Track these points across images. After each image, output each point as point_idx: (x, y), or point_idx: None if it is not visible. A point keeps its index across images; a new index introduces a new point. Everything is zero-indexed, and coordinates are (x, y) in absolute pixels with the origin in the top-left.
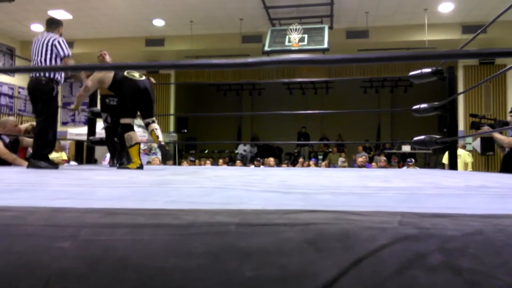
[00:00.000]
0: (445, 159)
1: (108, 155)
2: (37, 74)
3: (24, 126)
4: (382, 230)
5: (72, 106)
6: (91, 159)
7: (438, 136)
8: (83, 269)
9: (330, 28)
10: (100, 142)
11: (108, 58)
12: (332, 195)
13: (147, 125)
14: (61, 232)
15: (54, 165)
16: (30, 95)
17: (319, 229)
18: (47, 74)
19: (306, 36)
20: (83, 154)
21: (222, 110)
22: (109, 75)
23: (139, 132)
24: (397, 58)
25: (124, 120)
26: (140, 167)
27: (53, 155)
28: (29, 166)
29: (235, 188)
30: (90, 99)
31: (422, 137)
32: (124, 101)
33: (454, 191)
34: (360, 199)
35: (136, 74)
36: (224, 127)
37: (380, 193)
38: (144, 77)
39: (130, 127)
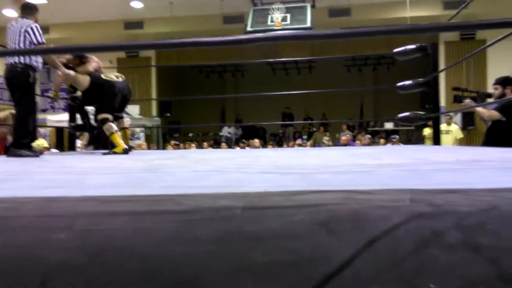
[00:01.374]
0: (428, 132)
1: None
2: (13, 61)
3: (3, 114)
4: (395, 209)
5: (51, 94)
6: (73, 146)
7: (422, 112)
8: (83, 261)
9: (313, 6)
10: (82, 127)
11: (95, 60)
12: (331, 174)
13: (117, 119)
14: (57, 222)
15: (35, 153)
16: (7, 82)
17: (330, 210)
18: (22, 60)
19: (288, 15)
20: (63, 141)
21: (205, 92)
22: (85, 80)
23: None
24: (380, 33)
25: (102, 116)
26: (126, 150)
27: (34, 143)
28: (9, 155)
29: (231, 171)
30: (71, 84)
31: (407, 113)
32: (103, 101)
33: (451, 166)
34: (360, 177)
35: (113, 76)
36: (207, 109)
37: (378, 171)
38: (120, 79)
39: (107, 120)
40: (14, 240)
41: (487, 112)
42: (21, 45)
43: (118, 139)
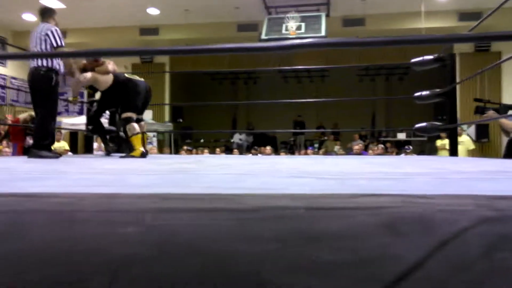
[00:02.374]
0: (440, 143)
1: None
2: (36, 65)
3: (22, 116)
4: (461, 213)
5: (70, 98)
6: (90, 148)
7: (439, 123)
8: (150, 255)
9: (327, 16)
10: (98, 130)
11: (111, 63)
12: (366, 180)
13: (138, 121)
14: (122, 217)
15: (55, 155)
16: (29, 85)
17: (393, 212)
18: (45, 64)
19: (303, 24)
20: (77, 144)
21: (217, 99)
22: (108, 78)
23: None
24: (399, 42)
25: (126, 114)
26: (144, 154)
27: (55, 145)
28: (30, 156)
29: (262, 175)
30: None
31: (423, 124)
32: (127, 99)
33: (479, 175)
34: (399, 184)
35: (136, 76)
36: (219, 116)
37: (410, 178)
38: (142, 79)
39: (131, 120)
40: (77, 233)
41: (510, 124)
42: (42, 48)
43: (138, 142)
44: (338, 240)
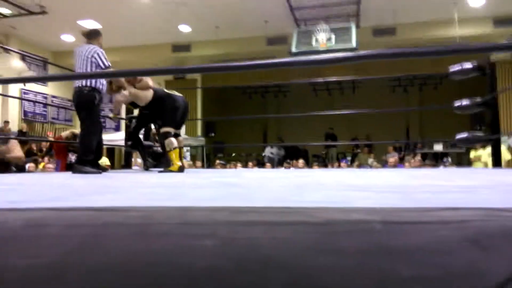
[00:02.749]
0: (474, 155)
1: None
2: (80, 84)
3: (65, 134)
4: None
5: (111, 115)
6: (129, 164)
7: (481, 134)
8: (230, 268)
9: (357, 26)
10: (135, 146)
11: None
12: (431, 193)
13: (175, 136)
14: (199, 230)
15: (99, 170)
16: (74, 104)
17: (477, 226)
18: (89, 84)
19: (333, 35)
20: (114, 159)
21: (247, 113)
22: (148, 93)
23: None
24: (432, 53)
25: (165, 129)
26: (181, 169)
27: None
28: (74, 171)
29: (315, 188)
30: (126, 107)
31: (465, 134)
32: (166, 114)
33: None
34: (470, 196)
35: (175, 92)
36: (250, 130)
37: (478, 191)
38: (181, 95)
39: (169, 135)
40: (157, 245)
41: None
42: (88, 69)
43: (176, 156)
44: (421, 255)
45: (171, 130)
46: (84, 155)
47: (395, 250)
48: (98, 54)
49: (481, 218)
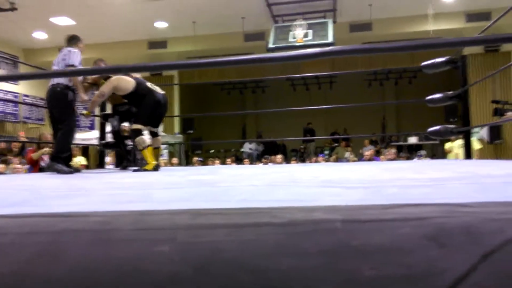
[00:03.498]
0: (448, 146)
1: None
2: (53, 83)
3: (36, 155)
4: (508, 221)
5: (84, 112)
6: (102, 163)
7: (453, 126)
8: (192, 273)
9: (334, 22)
10: (111, 145)
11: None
12: (399, 188)
13: (154, 135)
14: (157, 235)
15: (71, 170)
16: (47, 103)
17: (437, 223)
18: (62, 81)
19: (310, 31)
20: (89, 158)
21: (226, 109)
22: (128, 84)
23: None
24: (405, 48)
25: (136, 126)
26: (156, 167)
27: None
28: (48, 169)
29: (288, 185)
30: (101, 104)
31: (437, 127)
32: (141, 110)
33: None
34: (435, 191)
35: (157, 88)
36: (228, 126)
37: (446, 184)
38: (163, 92)
39: (140, 133)
40: (117, 252)
41: None
42: (60, 67)
43: (149, 155)
44: (383, 255)
45: (142, 127)
46: (59, 152)
47: (356, 249)
48: (69, 51)
49: (441, 215)
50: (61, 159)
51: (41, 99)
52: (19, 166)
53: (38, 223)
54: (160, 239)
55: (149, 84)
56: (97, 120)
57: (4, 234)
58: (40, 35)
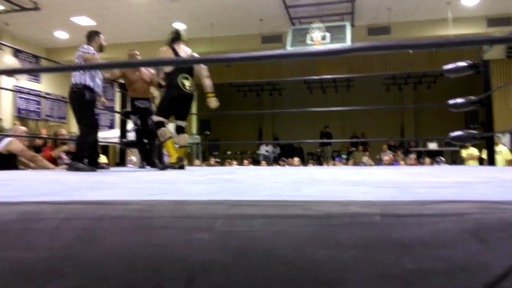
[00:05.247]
0: (466, 153)
1: (133, 158)
2: (72, 83)
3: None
4: None
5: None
6: (123, 161)
7: (475, 132)
8: (228, 261)
9: (352, 25)
10: (132, 144)
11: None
12: (428, 188)
13: (179, 129)
14: (196, 223)
15: (92, 168)
16: (69, 102)
17: (476, 218)
18: (79, 81)
19: (328, 34)
20: (108, 157)
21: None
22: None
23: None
24: (425, 46)
25: (158, 118)
26: (180, 160)
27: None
28: (68, 168)
29: (313, 184)
30: (121, 101)
31: (459, 132)
32: (163, 101)
33: None
34: (467, 191)
35: (187, 85)
36: (245, 128)
37: (474, 186)
38: (190, 90)
39: (162, 124)
40: (156, 239)
41: None
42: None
43: (171, 147)
44: (423, 248)
45: (164, 120)
46: (78, 151)
47: (396, 243)
48: (81, 48)
49: (480, 211)
50: (81, 158)
51: (63, 97)
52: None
53: (74, 210)
54: (198, 227)
55: (179, 78)
56: (117, 119)
57: (41, 219)
58: (61, 35)
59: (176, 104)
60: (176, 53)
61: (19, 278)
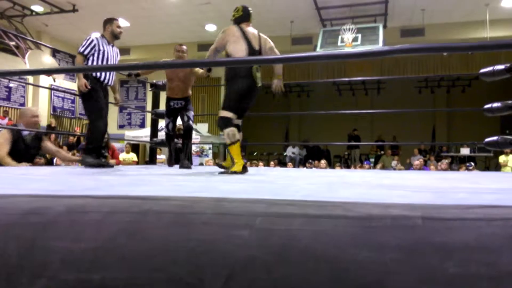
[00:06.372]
0: (503, 160)
1: (162, 156)
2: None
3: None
4: None
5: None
6: (153, 160)
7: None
8: (269, 259)
9: (384, 27)
10: (162, 143)
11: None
12: (467, 193)
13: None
14: (236, 220)
15: (100, 162)
16: None
17: None
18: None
19: (359, 35)
20: (139, 155)
21: (271, 112)
22: (241, 48)
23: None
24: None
25: (225, 113)
26: (245, 169)
27: (124, 156)
28: (80, 162)
29: (345, 186)
30: (153, 101)
31: (494, 138)
32: (233, 94)
33: None
34: (506, 198)
35: (258, 78)
36: (272, 130)
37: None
38: (260, 84)
39: (230, 123)
40: (197, 234)
41: None
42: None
43: (237, 152)
44: (467, 253)
45: (232, 116)
46: (87, 143)
47: (439, 247)
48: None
49: None
50: (91, 151)
51: None
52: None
53: (117, 204)
54: (238, 224)
55: (254, 68)
56: (148, 117)
57: (86, 212)
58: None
59: (245, 98)
60: (244, 34)
61: (68, 268)
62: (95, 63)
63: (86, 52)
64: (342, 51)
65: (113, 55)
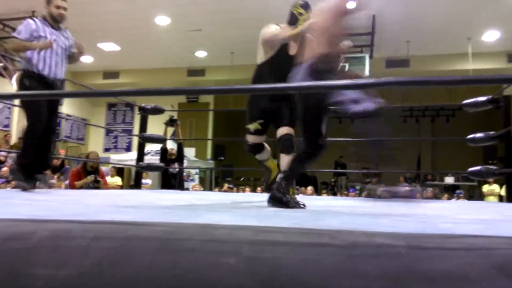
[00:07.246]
0: (487, 189)
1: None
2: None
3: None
4: None
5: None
6: (138, 184)
7: (494, 167)
8: (256, 286)
9: (370, 57)
10: (148, 167)
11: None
12: (453, 223)
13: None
14: (223, 247)
15: (27, 184)
16: None
17: (503, 254)
18: (23, 66)
19: (346, 65)
20: (123, 179)
21: None
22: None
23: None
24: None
25: (290, 130)
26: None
27: (109, 180)
28: (10, 174)
29: (333, 214)
30: (140, 124)
31: (477, 167)
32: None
33: None
34: (489, 227)
35: None
36: None
37: (499, 224)
38: None
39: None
40: (183, 261)
41: None
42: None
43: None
44: (448, 282)
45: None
46: (18, 158)
47: (421, 276)
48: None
49: (506, 246)
50: (22, 166)
51: (83, 119)
52: (53, 181)
53: (103, 229)
54: (225, 251)
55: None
56: (135, 141)
57: (71, 237)
58: (86, 59)
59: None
60: None
61: None
62: (36, 53)
63: (23, 38)
64: (329, 82)
65: (60, 42)
